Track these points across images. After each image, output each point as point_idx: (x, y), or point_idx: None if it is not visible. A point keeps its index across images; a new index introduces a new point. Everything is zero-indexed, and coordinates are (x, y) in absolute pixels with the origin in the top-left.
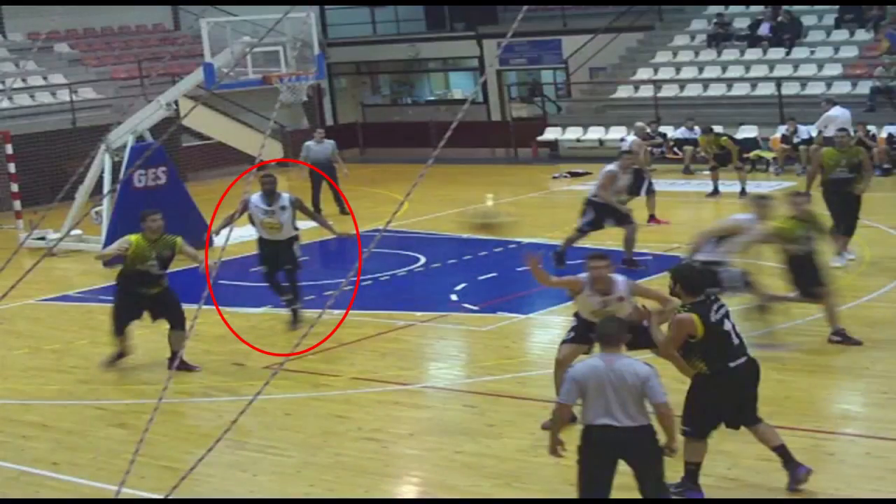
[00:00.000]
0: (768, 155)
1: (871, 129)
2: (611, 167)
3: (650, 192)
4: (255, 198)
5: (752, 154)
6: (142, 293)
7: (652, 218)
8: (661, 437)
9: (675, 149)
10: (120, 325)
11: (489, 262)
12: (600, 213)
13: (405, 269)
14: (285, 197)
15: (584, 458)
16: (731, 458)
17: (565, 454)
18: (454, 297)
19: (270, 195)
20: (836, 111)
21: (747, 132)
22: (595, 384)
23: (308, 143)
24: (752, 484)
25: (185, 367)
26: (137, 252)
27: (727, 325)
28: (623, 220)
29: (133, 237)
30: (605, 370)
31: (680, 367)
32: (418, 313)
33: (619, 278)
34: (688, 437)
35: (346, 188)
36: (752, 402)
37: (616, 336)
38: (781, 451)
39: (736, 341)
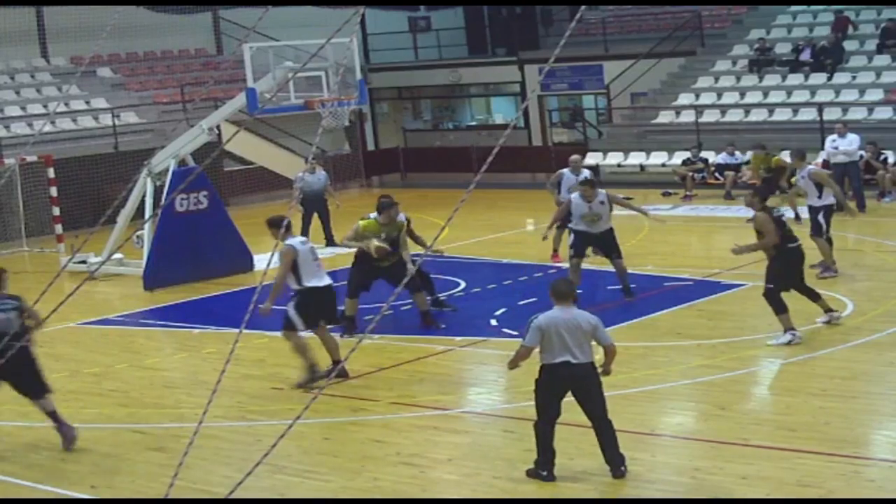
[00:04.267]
0: None
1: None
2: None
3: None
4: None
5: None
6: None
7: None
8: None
9: (717, 174)
10: (354, 288)
11: (529, 287)
12: None
13: (445, 294)
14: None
15: (544, 388)
16: (770, 483)
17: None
18: (494, 322)
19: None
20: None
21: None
22: (555, 330)
23: (301, 173)
24: None
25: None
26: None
27: None
28: None
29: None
30: (563, 319)
31: None
32: (457, 338)
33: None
34: None
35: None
36: None
37: (569, 292)
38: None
39: None
